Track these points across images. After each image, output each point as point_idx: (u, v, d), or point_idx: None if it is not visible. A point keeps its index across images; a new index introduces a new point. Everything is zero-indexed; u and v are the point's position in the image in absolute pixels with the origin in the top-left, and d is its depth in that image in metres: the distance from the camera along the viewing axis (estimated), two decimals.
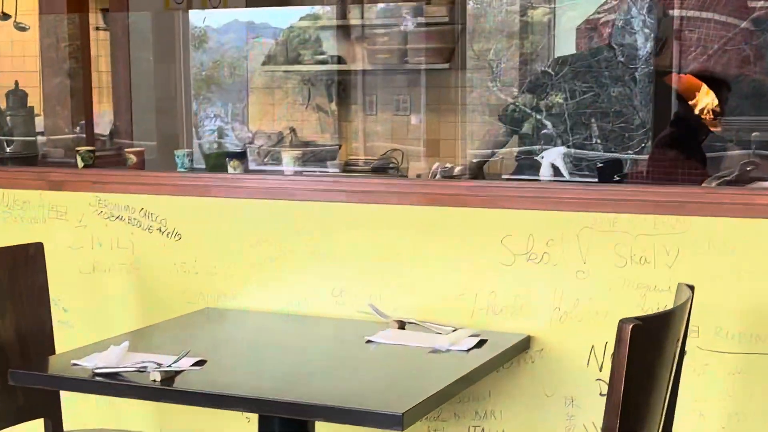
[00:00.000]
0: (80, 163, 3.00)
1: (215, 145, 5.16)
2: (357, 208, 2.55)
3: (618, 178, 3.45)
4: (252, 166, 4.71)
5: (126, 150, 3.14)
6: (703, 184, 2.41)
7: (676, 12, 3.92)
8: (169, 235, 2.73)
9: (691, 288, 1.96)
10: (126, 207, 2.77)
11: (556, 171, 2.54)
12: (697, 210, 2.23)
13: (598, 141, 3.43)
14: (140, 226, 2.75)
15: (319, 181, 2.69)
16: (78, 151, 3.05)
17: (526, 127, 3.43)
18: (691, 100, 4.26)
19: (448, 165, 2.79)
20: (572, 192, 2.38)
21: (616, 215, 2.29)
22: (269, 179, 2.72)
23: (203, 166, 4.20)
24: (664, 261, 2.25)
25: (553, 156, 2.52)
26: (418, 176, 2.75)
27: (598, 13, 4.37)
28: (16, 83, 3.41)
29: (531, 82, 3.99)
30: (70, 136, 3.90)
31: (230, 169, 2.86)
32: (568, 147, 3.29)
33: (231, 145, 5.21)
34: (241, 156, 2.98)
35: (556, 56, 4.10)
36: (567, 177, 2.53)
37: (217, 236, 2.69)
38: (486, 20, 5.81)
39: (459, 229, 2.44)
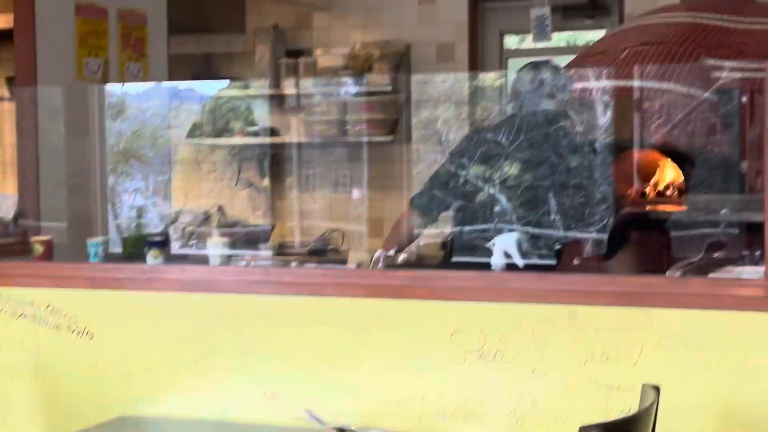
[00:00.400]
0: None
1: (134, 226, 5.13)
2: (290, 301, 2.54)
3: (578, 262, 3.50)
4: (175, 248, 4.68)
5: (32, 238, 3.10)
6: (667, 273, 2.44)
7: (636, 83, 4.03)
8: (80, 335, 2.70)
9: (657, 389, 1.98)
10: (31, 303, 2.73)
11: (508, 258, 2.57)
12: (661, 302, 2.26)
13: (557, 217, 3.47)
14: (47, 324, 2.72)
15: (248, 272, 2.69)
16: None
17: (479, 200, 3.47)
18: (654, 175, 4.36)
19: (391, 252, 2.81)
20: (527, 282, 2.40)
21: (575, 307, 2.31)
22: (193, 270, 2.73)
23: (121, 249, 4.18)
24: (628, 358, 2.27)
25: (506, 243, 2.55)
26: (359, 266, 2.75)
27: None
28: None
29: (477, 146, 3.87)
30: None
31: (150, 259, 2.84)
32: (524, 224, 3.33)
33: (152, 223, 5.18)
34: (162, 244, 2.94)
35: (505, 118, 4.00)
36: (521, 265, 2.55)
37: (134, 335, 2.67)
38: (432, 87, 5.92)
39: (404, 323, 2.45)
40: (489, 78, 5.80)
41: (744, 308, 2.21)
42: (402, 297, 2.45)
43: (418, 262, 3.03)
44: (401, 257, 2.79)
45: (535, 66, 3.58)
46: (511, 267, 2.60)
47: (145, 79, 4.76)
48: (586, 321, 2.29)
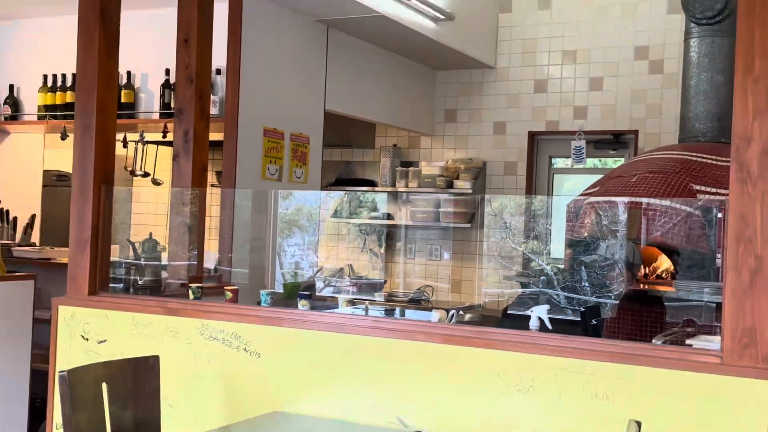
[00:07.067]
0: (191, 296, 3.09)
1: (292, 275, 5.22)
2: (392, 343, 2.56)
3: (595, 322, 3.48)
4: (319, 291, 4.72)
5: (225, 287, 3.20)
6: (653, 340, 2.42)
7: (643, 199, 4.00)
8: (251, 354, 2.76)
9: (639, 424, 1.98)
10: (221, 331, 2.81)
11: (542, 322, 2.58)
12: (646, 362, 2.24)
13: (586, 284, 3.45)
14: (230, 345, 2.79)
15: (364, 320, 2.72)
16: (190, 286, 3.13)
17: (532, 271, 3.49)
18: (654, 263, 4.31)
19: (461, 312, 2.83)
20: (553, 341, 2.39)
21: (586, 362, 2.30)
22: (328, 316, 2.75)
23: (282, 291, 4.24)
24: (621, 400, 2.25)
25: (539, 312, 2.57)
26: (439, 320, 2.77)
27: (584, 195, 4.48)
28: (150, 234, 3.54)
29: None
30: (185, 263, 3.96)
31: (300, 306, 2.91)
32: (563, 288, 3.33)
33: (306, 273, 5.25)
34: (309, 296, 3.03)
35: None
36: (550, 328, 2.55)
37: (287, 357, 2.71)
38: (502, 192, 5.96)
39: (467, 363, 2.45)
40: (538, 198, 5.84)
41: (704, 371, 2.17)
42: (467, 345, 2.45)
43: (481, 319, 3.02)
44: (468, 316, 2.81)
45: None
46: (543, 328, 2.60)
47: (306, 180, 4.88)
48: (593, 371, 2.29)
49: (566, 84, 5.95)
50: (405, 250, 6.19)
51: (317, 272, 5.18)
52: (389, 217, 6.19)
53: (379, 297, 4.97)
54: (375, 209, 6.15)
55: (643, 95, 5.76)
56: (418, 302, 4.96)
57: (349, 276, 5.46)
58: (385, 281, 5.75)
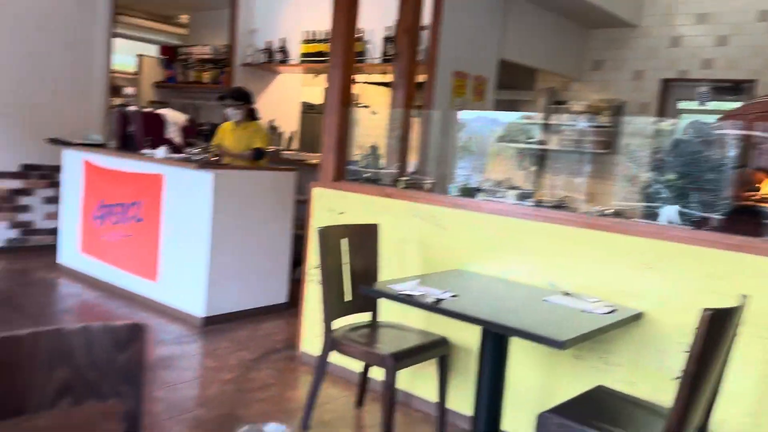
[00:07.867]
0: (400, 186, 3.19)
1: (465, 181, 5.18)
2: (545, 226, 2.54)
3: (707, 230, 3.19)
4: (484, 196, 4.70)
5: (423, 183, 3.27)
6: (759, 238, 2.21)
7: (756, 132, 3.57)
8: (441, 227, 2.81)
9: (745, 296, 1.85)
10: (420, 210, 2.88)
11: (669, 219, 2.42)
12: (751, 251, 2.08)
13: (697, 203, 3.19)
14: (426, 221, 2.86)
15: (525, 207, 2.68)
16: (399, 180, 3.22)
17: (652, 191, 3.25)
18: (759, 184, 3.87)
19: (602, 208, 2.72)
20: (677, 232, 2.27)
21: (703, 249, 2.17)
22: (498, 204, 2.75)
23: (459, 192, 4.25)
24: (731, 278, 2.11)
25: (669, 211, 2.40)
26: (584, 213, 2.68)
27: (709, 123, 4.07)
28: (373, 145, 3.66)
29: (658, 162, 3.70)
30: (394, 171, 4.07)
31: (478, 197, 2.93)
32: (681, 206, 3.10)
33: (474, 183, 5.20)
34: (480, 192, 3.03)
35: (674, 138, 3.75)
36: (677, 223, 2.39)
37: (466, 231, 2.74)
38: (633, 126, 5.51)
39: (605, 244, 2.39)
40: (664, 124, 5.33)
41: None
42: (606, 231, 2.39)
43: (616, 214, 2.88)
44: (608, 211, 2.68)
45: (694, 122, 3.32)
46: (670, 223, 2.44)
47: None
48: (710, 257, 2.15)
49: (697, 40, 5.34)
50: (553, 168, 5.95)
51: (486, 180, 5.13)
52: (542, 143, 5.96)
53: (529, 202, 4.85)
54: (531, 137, 5.94)
55: (763, 50, 5.06)
56: (559, 208, 4.78)
57: (508, 187, 5.35)
58: (535, 191, 5.57)
